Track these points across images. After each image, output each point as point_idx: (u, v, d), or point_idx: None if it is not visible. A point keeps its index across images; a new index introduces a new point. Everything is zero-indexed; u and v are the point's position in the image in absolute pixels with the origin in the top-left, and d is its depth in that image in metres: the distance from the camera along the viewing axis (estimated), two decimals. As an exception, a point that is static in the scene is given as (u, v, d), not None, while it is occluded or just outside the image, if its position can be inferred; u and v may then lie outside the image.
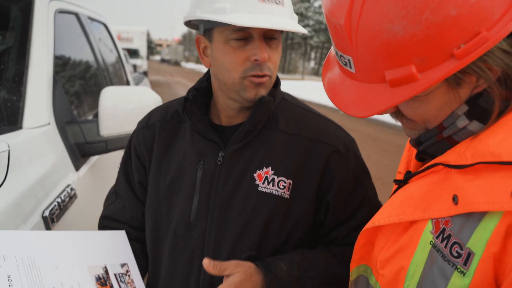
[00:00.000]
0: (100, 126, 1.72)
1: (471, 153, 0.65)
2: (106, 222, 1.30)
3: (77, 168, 1.66)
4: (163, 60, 72.11)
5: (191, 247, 1.10)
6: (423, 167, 0.77)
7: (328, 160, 1.09)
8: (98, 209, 1.76)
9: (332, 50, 0.82)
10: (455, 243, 0.65)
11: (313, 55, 48.40)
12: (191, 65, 68.28)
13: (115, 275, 1.07)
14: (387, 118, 11.44)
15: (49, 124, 1.57)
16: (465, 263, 0.63)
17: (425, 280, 0.69)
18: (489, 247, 0.61)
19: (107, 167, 2.09)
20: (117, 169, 2.31)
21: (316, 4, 53.49)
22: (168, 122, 1.21)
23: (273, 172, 1.08)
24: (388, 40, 0.65)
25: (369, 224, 0.82)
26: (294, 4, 52.42)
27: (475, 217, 0.63)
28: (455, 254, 0.65)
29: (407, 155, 0.95)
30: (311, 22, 51.32)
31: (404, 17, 0.63)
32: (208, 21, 1.03)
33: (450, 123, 0.73)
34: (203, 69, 54.81)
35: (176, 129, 1.19)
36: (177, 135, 1.19)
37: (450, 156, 0.69)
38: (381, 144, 8.52)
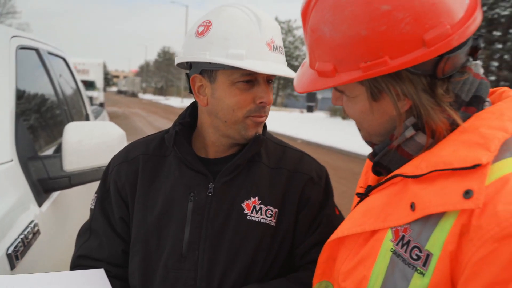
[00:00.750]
0: (63, 162, 1.72)
1: (425, 164, 0.73)
2: (82, 261, 1.26)
3: (40, 204, 1.65)
4: (119, 92, 71.24)
5: (183, 278, 1.12)
6: (382, 180, 0.84)
7: (304, 187, 1.20)
8: (61, 245, 1.75)
9: None
10: (414, 247, 0.71)
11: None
12: (148, 97, 67.74)
13: None
14: (345, 146, 11.78)
15: (11, 160, 1.56)
16: (424, 264, 0.69)
17: (387, 285, 0.74)
18: (446, 246, 0.67)
19: (69, 202, 2.07)
20: (80, 203, 2.28)
21: (272, 36, 54.60)
22: (151, 155, 1.24)
23: (260, 201, 1.16)
24: (319, 37, 0.79)
25: (333, 236, 0.87)
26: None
27: (432, 221, 0.70)
28: (415, 257, 0.70)
29: (364, 178, 1.03)
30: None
31: (331, 22, 0.76)
32: (210, 63, 1.08)
33: (400, 133, 0.81)
34: (161, 100, 54.54)
35: (160, 162, 1.23)
36: (161, 168, 1.22)
37: (407, 168, 0.77)
38: (339, 171, 8.74)
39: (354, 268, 0.80)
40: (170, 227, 1.16)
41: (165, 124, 19.34)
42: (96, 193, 1.29)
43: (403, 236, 0.73)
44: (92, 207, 1.29)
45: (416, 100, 0.75)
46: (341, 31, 0.74)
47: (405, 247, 0.72)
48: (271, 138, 1.30)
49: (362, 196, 0.90)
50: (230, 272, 1.12)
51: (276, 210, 1.16)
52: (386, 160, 0.84)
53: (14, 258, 1.28)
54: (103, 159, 1.82)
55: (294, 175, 1.20)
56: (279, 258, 1.18)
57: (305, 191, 1.20)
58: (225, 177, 1.16)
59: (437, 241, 0.68)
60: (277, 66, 1.10)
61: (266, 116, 1.16)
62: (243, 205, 1.15)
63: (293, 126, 18.00)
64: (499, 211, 0.62)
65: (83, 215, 2.44)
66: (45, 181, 1.71)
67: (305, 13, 0.82)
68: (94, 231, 1.26)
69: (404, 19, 0.70)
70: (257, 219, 1.14)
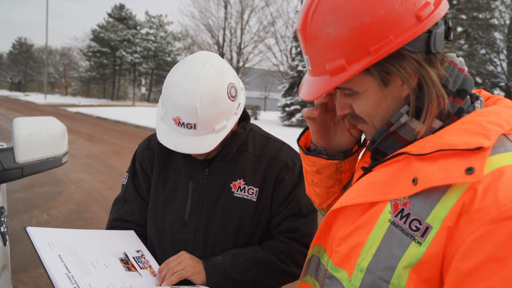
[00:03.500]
0: (15, 154, 1.86)
1: (430, 145, 0.80)
2: (116, 223, 1.61)
3: (-2, 193, 1.79)
4: (-35, 87, 62.68)
5: (185, 239, 1.49)
6: (387, 157, 0.89)
7: (280, 171, 1.52)
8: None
9: None
10: (414, 219, 0.78)
11: (143, 81, 48.05)
12: (4, 92, 60.91)
13: (133, 257, 1.41)
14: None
15: (-28, 153, 1.69)
16: (423, 235, 0.76)
17: (382, 251, 0.81)
18: (445, 222, 0.74)
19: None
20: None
21: (143, 31, 53.43)
22: (164, 146, 1.51)
23: (244, 182, 1.49)
24: (326, 39, 0.84)
25: (337, 205, 0.93)
26: (121, 31, 51.00)
27: (434, 197, 0.77)
28: (414, 228, 0.77)
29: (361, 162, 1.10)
30: (139, 49, 51.16)
31: (335, 22, 0.82)
32: None
33: (396, 120, 0.88)
34: (19, 96, 49.66)
35: (171, 152, 1.55)
36: (172, 157, 1.57)
37: (412, 148, 0.83)
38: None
39: (350, 235, 0.88)
40: (175, 201, 1.51)
41: (32, 122, 17.83)
42: (127, 172, 1.65)
43: (403, 209, 0.80)
44: (124, 182, 1.64)
45: (422, 72, 0.83)
46: (347, 26, 0.80)
47: (404, 218, 0.79)
48: (259, 131, 1.62)
49: (366, 170, 0.96)
50: (221, 236, 1.47)
51: (257, 189, 1.49)
52: (384, 146, 0.91)
53: (3, 235, 1.47)
54: (51, 151, 1.99)
55: (273, 161, 1.52)
56: (260, 226, 1.51)
57: (280, 175, 1.50)
58: (217, 164, 1.50)
59: (438, 216, 0.75)
60: (174, 138, 1.36)
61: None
62: (231, 185, 1.49)
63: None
64: (500, 197, 0.70)
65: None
66: (0, 173, 1.85)
67: (304, 28, 0.88)
68: (127, 200, 1.62)
69: (397, 1, 0.79)
70: (241, 195, 1.48)
